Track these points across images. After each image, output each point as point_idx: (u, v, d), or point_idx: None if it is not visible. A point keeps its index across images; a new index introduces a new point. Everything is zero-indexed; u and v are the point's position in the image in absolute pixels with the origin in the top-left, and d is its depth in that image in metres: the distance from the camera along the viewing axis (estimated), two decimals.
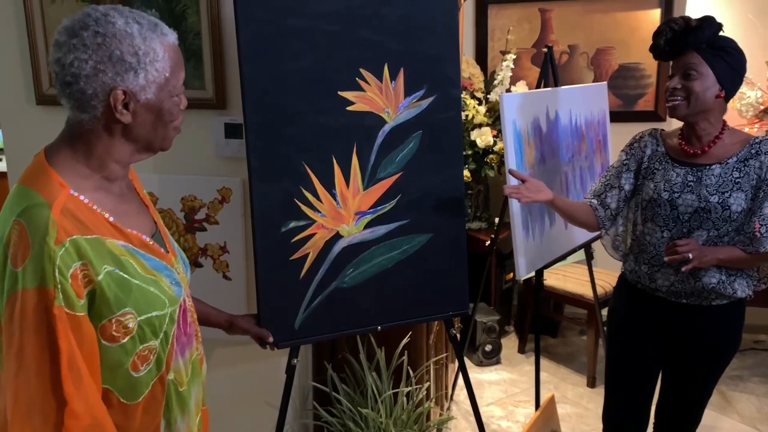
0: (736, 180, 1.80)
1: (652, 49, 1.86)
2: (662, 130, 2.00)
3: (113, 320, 1.07)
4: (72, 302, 1.00)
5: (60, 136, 1.13)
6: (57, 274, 0.98)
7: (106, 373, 1.09)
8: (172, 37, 1.13)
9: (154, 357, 1.15)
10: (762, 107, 3.36)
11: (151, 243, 1.17)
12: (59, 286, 0.99)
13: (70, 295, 1.00)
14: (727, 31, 1.80)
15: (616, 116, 3.42)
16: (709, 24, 1.76)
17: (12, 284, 0.99)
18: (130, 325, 1.09)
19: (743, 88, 3.30)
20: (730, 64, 1.78)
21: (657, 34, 1.83)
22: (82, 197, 1.06)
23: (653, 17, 3.65)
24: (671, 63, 1.84)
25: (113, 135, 1.10)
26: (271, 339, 1.72)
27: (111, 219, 1.10)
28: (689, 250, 1.75)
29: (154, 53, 1.07)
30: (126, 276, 1.08)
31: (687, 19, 1.77)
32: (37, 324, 0.98)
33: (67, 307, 1.00)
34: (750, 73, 2.89)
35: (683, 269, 1.75)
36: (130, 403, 1.14)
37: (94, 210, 1.08)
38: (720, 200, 1.80)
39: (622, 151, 2.04)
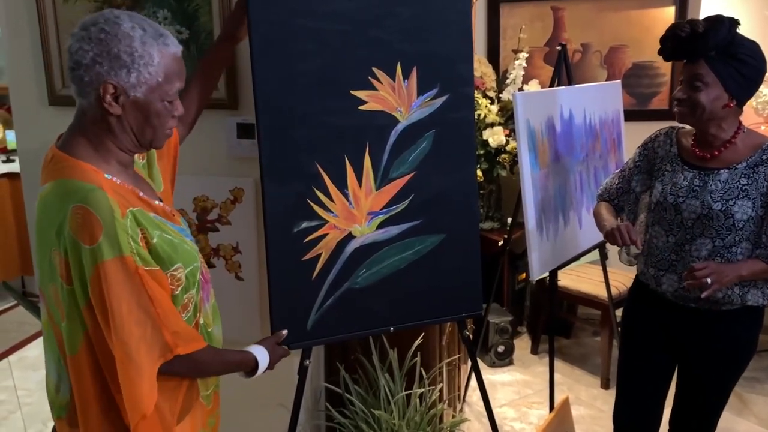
0: (743, 187, 1.73)
1: (660, 52, 1.78)
2: (680, 128, 1.93)
3: (169, 275, 1.24)
4: (147, 261, 1.19)
5: (71, 130, 1.25)
6: (131, 241, 1.16)
7: None
8: (174, 48, 1.23)
9: (192, 305, 1.33)
10: None
11: (169, 210, 1.34)
12: (135, 251, 1.16)
13: (144, 256, 1.19)
14: (742, 28, 1.68)
15: (631, 115, 3.38)
16: (717, 29, 1.64)
17: (92, 261, 1.13)
18: (182, 277, 1.27)
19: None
20: (742, 73, 1.67)
21: (663, 39, 1.75)
22: (114, 179, 1.21)
23: (667, 15, 3.61)
24: (683, 65, 1.75)
25: (112, 126, 1.22)
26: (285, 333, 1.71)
27: (141, 194, 1.25)
28: (707, 275, 1.65)
29: (149, 57, 1.18)
30: (168, 237, 1.25)
31: (694, 25, 1.66)
32: (122, 287, 1.14)
33: (145, 265, 1.18)
34: None
35: (702, 296, 1.67)
36: None
37: (126, 187, 1.23)
38: (723, 208, 1.72)
39: (638, 148, 2.00)
